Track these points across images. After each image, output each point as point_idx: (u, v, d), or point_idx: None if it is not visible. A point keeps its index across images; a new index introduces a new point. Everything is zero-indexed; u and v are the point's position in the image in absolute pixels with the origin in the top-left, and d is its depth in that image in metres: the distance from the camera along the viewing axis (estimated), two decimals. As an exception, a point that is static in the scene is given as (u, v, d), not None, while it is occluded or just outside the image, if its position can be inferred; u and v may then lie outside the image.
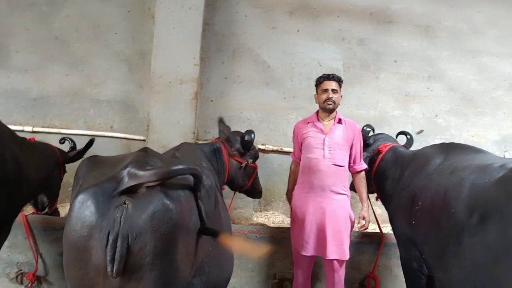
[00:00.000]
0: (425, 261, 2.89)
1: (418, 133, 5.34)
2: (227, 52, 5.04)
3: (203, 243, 2.00)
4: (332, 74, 3.47)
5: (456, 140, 5.35)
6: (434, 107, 5.41)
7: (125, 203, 1.67)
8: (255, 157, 3.80)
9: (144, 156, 1.96)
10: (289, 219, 4.78)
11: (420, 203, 2.85)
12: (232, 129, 3.89)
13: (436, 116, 5.41)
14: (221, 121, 3.86)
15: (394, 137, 4.08)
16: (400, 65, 5.36)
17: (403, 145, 3.85)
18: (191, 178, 1.95)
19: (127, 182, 1.70)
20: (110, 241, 1.62)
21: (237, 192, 3.91)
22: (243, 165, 3.59)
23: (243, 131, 3.70)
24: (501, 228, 2.04)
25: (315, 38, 5.17)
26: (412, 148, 4.01)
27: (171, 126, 4.35)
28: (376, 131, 4.35)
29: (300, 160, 3.59)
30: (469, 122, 5.47)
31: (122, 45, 4.90)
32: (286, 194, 3.78)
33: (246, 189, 3.86)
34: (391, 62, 5.34)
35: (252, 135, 3.58)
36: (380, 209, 4.94)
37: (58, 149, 3.71)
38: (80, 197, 1.71)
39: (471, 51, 5.45)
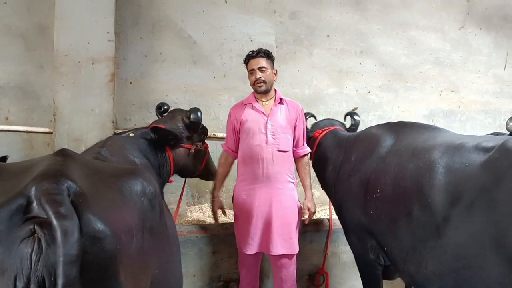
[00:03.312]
0: (386, 252, 2.65)
1: (353, 110, 5.19)
2: (145, 26, 4.38)
3: (151, 266, 1.54)
4: (258, 49, 3.06)
5: (388, 116, 5.34)
6: (366, 83, 5.29)
7: (35, 233, 1.15)
8: (205, 136, 3.25)
9: (62, 163, 1.38)
10: (227, 210, 4.44)
11: (378, 191, 2.57)
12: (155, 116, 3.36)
13: (369, 92, 5.31)
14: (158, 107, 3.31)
15: (342, 119, 3.83)
16: (332, 40, 5.12)
17: (349, 127, 3.60)
18: (133, 181, 1.47)
19: (37, 205, 1.17)
20: None
21: (169, 185, 3.35)
22: (192, 150, 3.02)
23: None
24: (490, 217, 1.83)
25: (245, 10, 4.70)
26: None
27: (84, 115, 3.63)
28: (312, 110, 4.17)
29: (232, 151, 3.20)
30: (399, 98, 5.46)
31: (14, 18, 4.00)
32: (212, 192, 3.29)
33: (199, 174, 3.30)
34: (324, 37, 5.07)
35: (199, 113, 2.99)
36: (319, 192, 4.77)
37: None
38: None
39: (400, 24, 5.39)
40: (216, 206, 3.25)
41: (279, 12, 4.86)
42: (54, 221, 1.12)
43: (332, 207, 3.65)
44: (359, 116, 3.65)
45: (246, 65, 3.10)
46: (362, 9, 5.22)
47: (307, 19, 4.99)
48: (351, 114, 3.69)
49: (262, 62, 3.01)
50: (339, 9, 5.12)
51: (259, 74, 2.98)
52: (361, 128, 3.53)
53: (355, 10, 5.18)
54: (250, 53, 3.06)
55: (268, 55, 3.05)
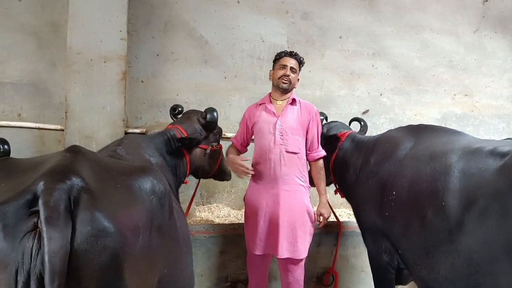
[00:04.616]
0: (400, 255, 2.62)
1: (364, 113, 5.15)
2: (158, 25, 4.38)
3: (158, 265, 1.52)
4: (295, 52, 3.10)
5: (400, 119, 5.28)
6: (378, 85, 5.24)
7: (37, 227, 1.15)
8: (220, 136, 3.26)
9: (71, 160, 1.38)
10: (235, 211, 4.44)
11: (394, 193, 2.56)
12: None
13: (381, 95, 5.25)
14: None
15: (348, 123, 3.85)
16: (345, 41, 5.07)
17: (358, 132, 3.59)
18: (142, 180, 1.45)
19: (43, 201, 1.16)
20: (20, 283, 1.12)
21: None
22: (208, 151, 3.03)
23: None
24: (503, 223, 1.80)
25: (257, 10, 4.68)
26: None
27: (95, 113, 3.66)
28: (323, 112, 4.10)
29: (241, 144, 3.21)
30: (412, 101, 5.39)
31: (28, 15, 4.03)
32: (228, 159, 3.13)
33: (213, 174, 3.29)
34: (336, 38, 5.03)
35: (215, 114, 3.01)
36: (328, 194, 4.72)
37: None
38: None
39: (414, 26, 5.32)
40: (236, 159, 3.00)
41: (291, 12, 4.83)
42: (43, 227, 1.12)
43: (334, 209, 3.65)
44: (364, 120, 3.72)
45: (278, 59, 3.11)
46: (376, 11, 5.16)
47: (319, 20, 4.95)
48: (358, 120, 3.74)
49: (295, 64, 3.08)
50: (352, 10, 5.07)
51: (288, 72, 3.02)
52: (371, 130, 3.52)
53: (368, 11, 5.13)
54: (288, 51, 3.10)
55: (301, 61, 3.13)
